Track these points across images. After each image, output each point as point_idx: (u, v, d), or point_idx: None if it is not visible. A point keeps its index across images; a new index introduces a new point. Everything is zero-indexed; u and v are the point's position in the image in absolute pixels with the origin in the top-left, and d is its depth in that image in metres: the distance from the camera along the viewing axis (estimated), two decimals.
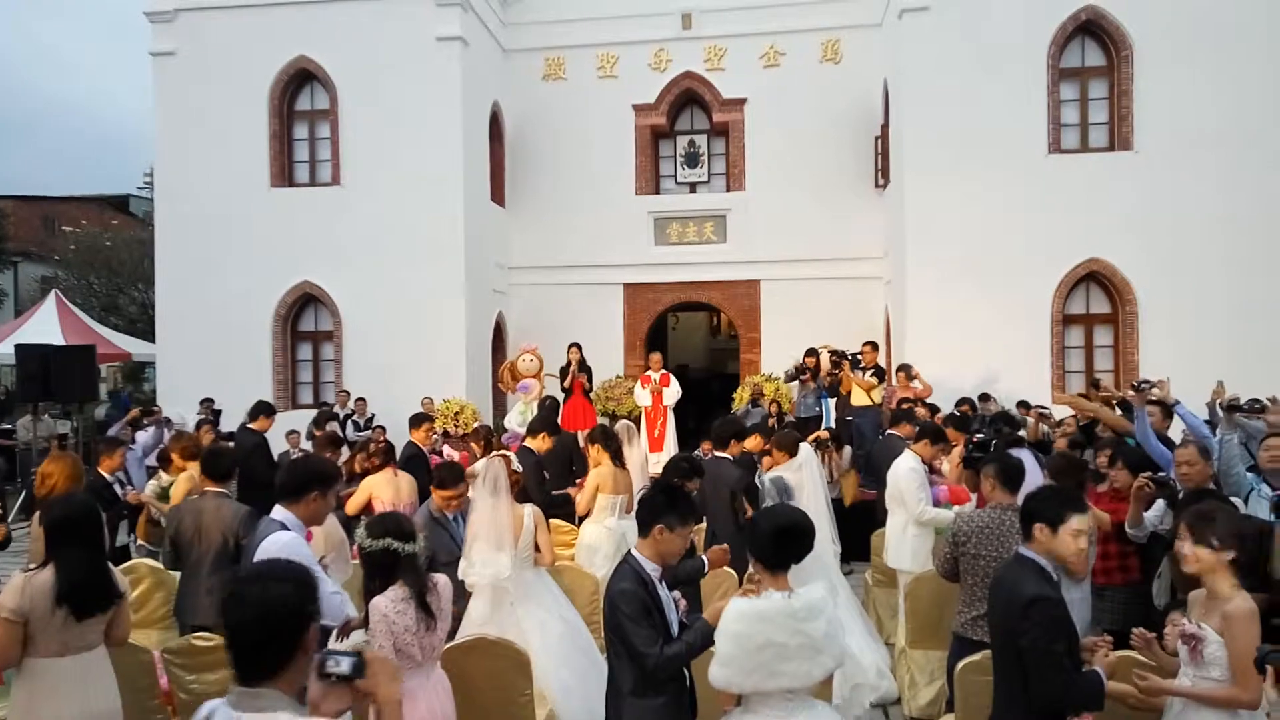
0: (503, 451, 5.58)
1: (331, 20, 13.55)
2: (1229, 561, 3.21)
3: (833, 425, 11.09)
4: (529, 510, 5.14)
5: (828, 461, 9.37)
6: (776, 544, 3.24)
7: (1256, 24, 11.75)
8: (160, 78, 14.03)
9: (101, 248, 24.70)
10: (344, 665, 1.98)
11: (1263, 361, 11.24)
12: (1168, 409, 6.25)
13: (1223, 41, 11.76)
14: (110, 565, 3.80)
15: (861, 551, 7.93)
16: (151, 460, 9.31)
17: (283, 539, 3.44)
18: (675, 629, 3.32)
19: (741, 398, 14.08)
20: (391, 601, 3.41)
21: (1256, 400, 6.68)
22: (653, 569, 3.34)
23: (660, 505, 3.42)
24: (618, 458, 6.67)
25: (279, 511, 3.61)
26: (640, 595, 3.20)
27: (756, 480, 6.42)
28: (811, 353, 12.00)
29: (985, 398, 10.85)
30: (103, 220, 28.07)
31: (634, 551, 3.39)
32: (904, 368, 11.13)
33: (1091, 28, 12.26)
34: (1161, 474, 4.80)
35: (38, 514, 4.48)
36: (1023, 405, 10.25)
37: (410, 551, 3.44)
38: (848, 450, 10.45)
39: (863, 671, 5.67)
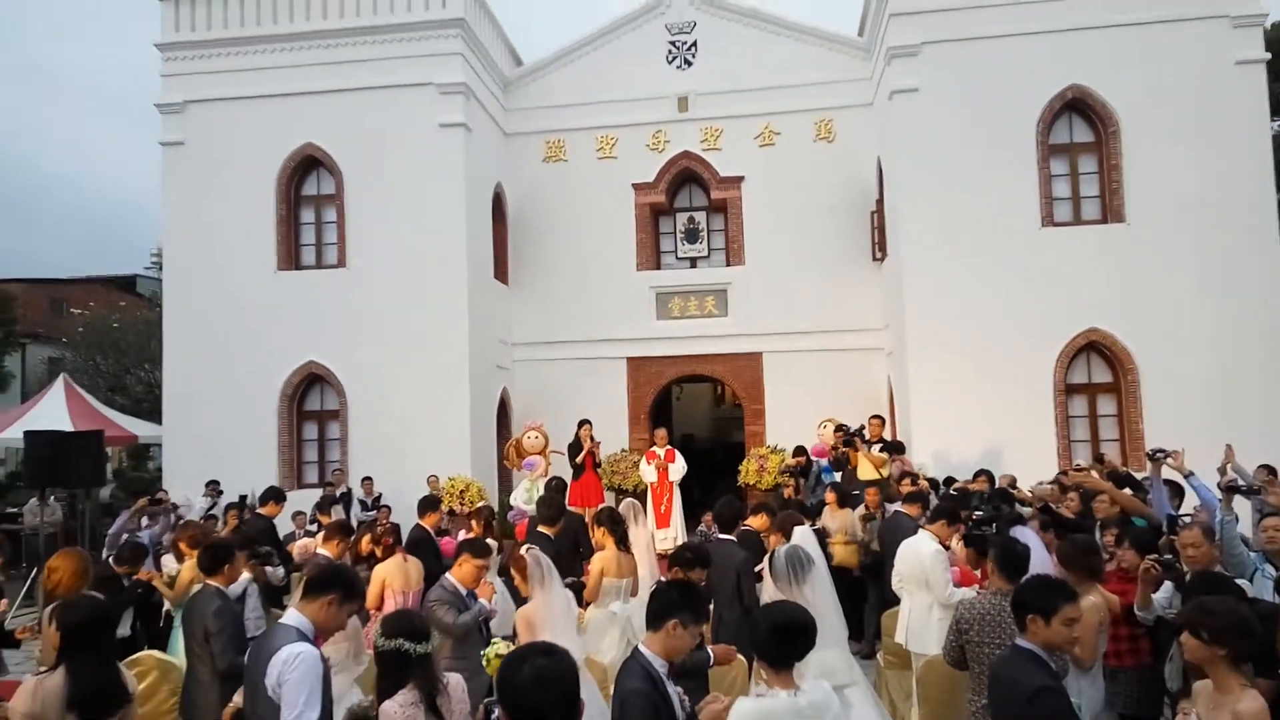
0: (529, 546, 5.61)
1: (337, 108, 13.98)
2: (1227, 656, 3.21)
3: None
4: (570, 596, 5.20)
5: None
6: (778, 642, 3.26)
7: (1235, 100, 12.09)
8: (169, 166, 14.42)
9: (109, 329, 24.92)
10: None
11: (1263, 426, 11.31)
12: (1177, 488, 6.28)
13: (1205, 117, 12.09)
14: (120, 667, 3.83)
15: (854, 629, 7.81)
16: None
17: (295, 651, 3.38)
18: None
19: (748, 469, 14.10)
20: (400, 706, 3.41)
21: (1256, 487, 6.67)
22: (661, 665, 3.34)
23: (676, 601, 3.44)
24: (623, 541, 6.67)
25: (293, 615, 3.61)
26: (651, 697, 3.20)
27: (768, 558, 6.41)
28: (800, 452, 12.00)
29: (982, 474, 10.62)
30: (110, 301, 28.37)
31: (642, 648, 3.39)
32: (895, 446, 11.13)
33: (1078, 105, 12.62)
34: (1168, 557, 4.82)
35: (48, 612, 4.50)
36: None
37: (422, 652, 3.46)
38: (848, 512, 10.25)
39: None
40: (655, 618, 3.41)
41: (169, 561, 7.32)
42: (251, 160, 14.15)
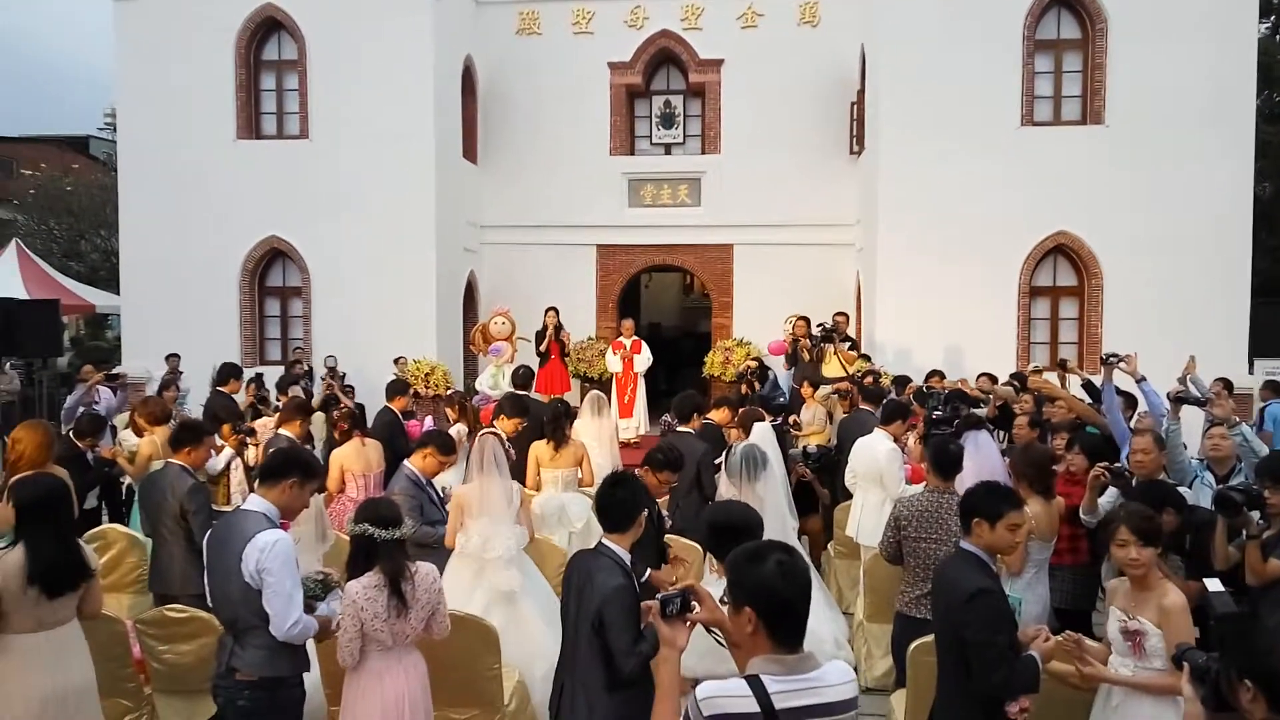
0: (493, 429, 5.67)
1: None
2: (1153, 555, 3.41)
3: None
4: (515, 487, 5.28)
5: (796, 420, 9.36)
6: (719, 540, 3.35)
7: (1227, 7, 11.82)
8: (122, 22, 13.63)
9: (62, 192, 24.11)
10: (677, 603, 2.39)
11: (1224, 339, 11.58)
12: (1130, 398, 6.43)
13: (1195, 20, 11.82)
14: (80, 543, 3.86)
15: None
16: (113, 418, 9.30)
17: (270, 539, 3.47)
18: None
19: (713, 361, 14.23)
20: (364, 588, 3.50)
21: (1204, 399, 6.82)
22: (628, 558, 3.43)
23: (639, 493, 3.55)
24: (555, 435, 6.77)
25: (256, 500, 3.65)
26: (633, 594, 3.28)
27: (725, 452, 6.55)
28: (803, 318, 11.85)
29: (935, 374, 10.72)
30: (63, 162, 27.33)
31: (607, 543, 3.44)
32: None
33: (1067, 0, 12.27)
34: (1117, 465, 4.97)
35: (7, 490, 4.50)
36: (986, 376, 10.36)
37: (387, 538, 3.53)
38: (817, 407, 10.37)
39: (820, 642, 5.86)
40: (624, 519, 3.45)
41: (127, 435, 7.29)
42: (209, 19, 13.38)
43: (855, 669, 5.86)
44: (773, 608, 2.16)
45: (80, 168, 27.45)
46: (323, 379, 11.34)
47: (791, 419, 9.16)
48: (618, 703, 3.26)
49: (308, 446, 6.97)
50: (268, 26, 13.62)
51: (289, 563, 3.50)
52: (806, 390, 9.66)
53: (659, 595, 2.43)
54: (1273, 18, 20.48)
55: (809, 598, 2.23)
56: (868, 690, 5.58)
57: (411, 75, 13.15)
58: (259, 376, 10.52)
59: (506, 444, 5.43)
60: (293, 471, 3.70)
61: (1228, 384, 9.00)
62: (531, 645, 4.91)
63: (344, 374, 11.89)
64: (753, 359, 12.22)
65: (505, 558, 4.99)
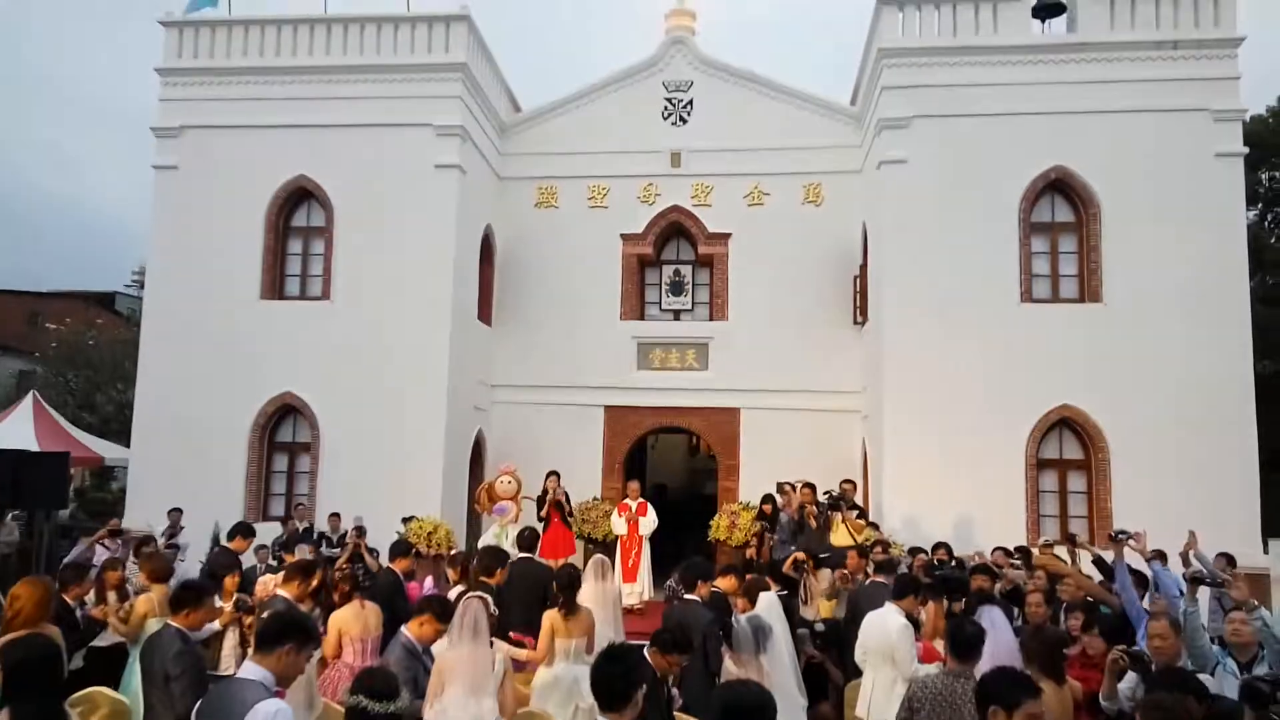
0: (479, 592, 5.55)
1: (334, 143, 14.06)
2: None
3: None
4: (500, 656, 5.11)
5: (806, 583, 9.21)
6: None
7: (1214, 189, 12.41)
8: (161, 189, 14.40)
9: (83, 345, 24.67)
10: None
11: (1236, 514, 11.45)
12: (1141, 576, 6.32)
13: (1183, 204, 12.39)
14: (66, 710, 3.74)
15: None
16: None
17: (271, 709, 3.37)
18: None
19: (719, 525, 14.02)
20: None
21: (1220, 579, 6.73)
22: None
23: (635, 668, 3.42)
24: (569, 602, 6.62)
25: (252, 668, 3.55)
26: None
27: (732, 620, 6.38)
28: (768, 499, 11.75)
29: (941, 547, 10.51)
30: (87, 317, 28.13)
31: None
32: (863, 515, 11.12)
33: (1061, 186, 12.92)
34: (1136, 648, 4.83)
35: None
36: (1001, 551, 10.18)
37: (380, 712, 3.40)
38: (826, 573, 10.24)
39: None
40: (620, 696, 3.34)
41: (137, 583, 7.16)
42: (244, 188, 14.15)
43: None
44: None
45: (104, 322, 28.23)
46: (350, 539, 11.14)
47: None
48: None
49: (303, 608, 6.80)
50: (299, 196, 14.38)
51: None
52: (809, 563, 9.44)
53: None
54: (1260, 205, 21.45)
55: None
56: None
57: (434, 243, 13.74)
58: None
59: (492, 607, 5.27)
60: (289, 637, 3.63)
61: (1231, 559, 8.84)
62: None
63: (345, 531, 11.66)
64: (763, 504, 11.96)
65: None
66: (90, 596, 7.26)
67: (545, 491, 12.08)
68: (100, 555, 9.59)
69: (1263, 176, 21.22)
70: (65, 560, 9.24)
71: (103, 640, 7.32)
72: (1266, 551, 11.07)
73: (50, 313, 29.13)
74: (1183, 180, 12.45)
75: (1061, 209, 13.07)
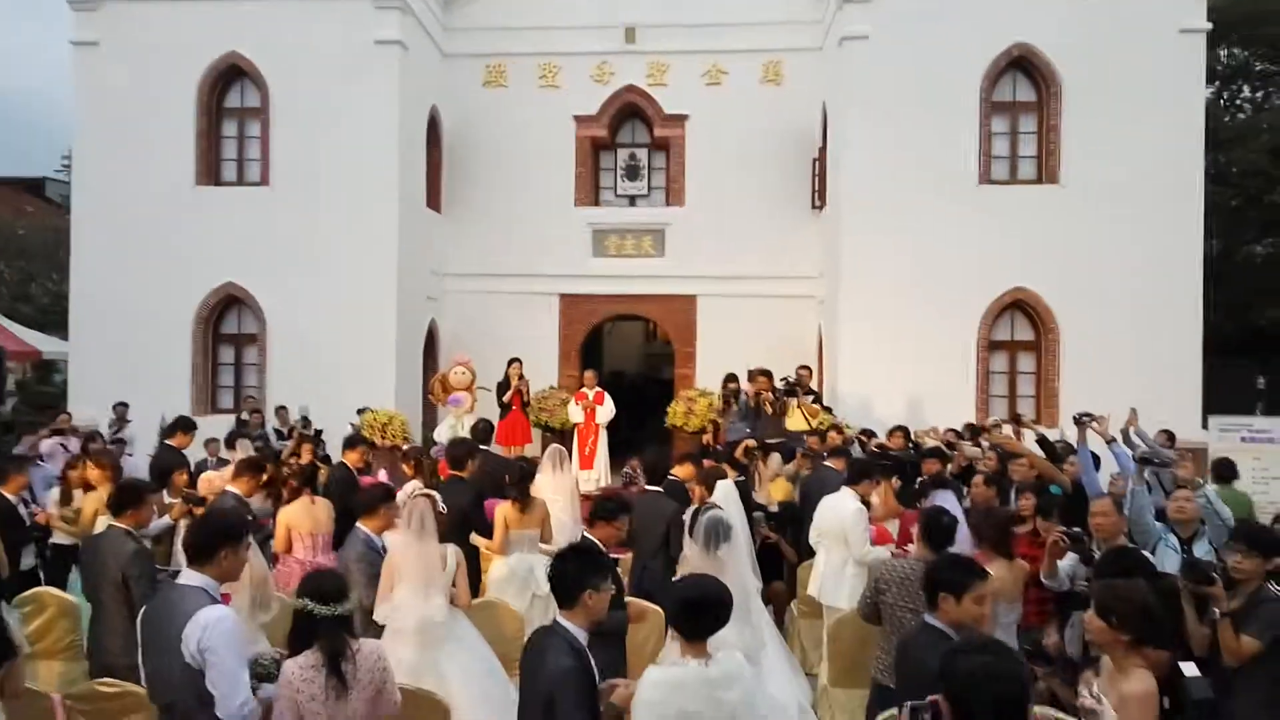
0: (427, 490, 5.47)
1: (265, 17, 13.16)
2: (1129, 640, 3.26)
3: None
4: (451, 550, 5.09)
5: (755, 470, 9.34)
6: (691, 616, 3.23)
7: (1174, 67, 12.25)
8: (81, 67, 13.47)
9: (14, 235, 23.62)
10: None
11: (1177, 394, 11.77)
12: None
13: (1144, 81, 12.22)
14: (8, 620, 3.62)
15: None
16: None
17: (213, 616, 3.31)
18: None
19: (675, 412, 14.10)
20: (300, 668, 3.30)
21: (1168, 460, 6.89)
22: (583, 636, 3.29)
23: (585, 568, 3.38)
24: (523, 494, 6.62)
25: (192, 575, 3.45)
26: (583, 675, 3.14)
27: (690, 514, 6.43)
28: (731, 379, 11.80)
29: (898, 430, 10.65)
30: (16, 204, 26.83)
31: (562, 621, 3.30)
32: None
33: (1023, 64, 12.64)
34: (1075, 530, 4.94)
35: None
36: (953, 432, 10.27)
37: (328, 614, 3.33)
38: (775, 457, 10.35)
39: (783, 709, 5.70)
40: (566, 596, 3.32)
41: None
42: (171, 66, 13.28)
43: None
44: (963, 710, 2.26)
45: (35, 210, 26.97)
46: (295, 430, 10.99)
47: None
48: None
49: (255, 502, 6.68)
50: (231, 74, 13.55)
51: (234, 640, 3.33)
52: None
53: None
54: (1217, 83, 21.30)
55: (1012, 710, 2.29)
56: None
57: (377, 125, 13.12)
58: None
59: (440, 505, 5.22)
60: (221, 544, 3.54)
61: (1171, 436, 9.10)
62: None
63: (320, 430, 11.41)
64: (730, 381, 11.97)
65: (418, 628, 4.76)
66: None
67: (507, 379, 11.97)
68: (46, 448, 9.38)
69: (1221, 53, 20.98)
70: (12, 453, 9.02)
71: (62, 538, 7.19)
72: (1205, 428, 11.43)
73: None
74: (1145, 57, 12.23)
75: (1023, 88, 12.82)
